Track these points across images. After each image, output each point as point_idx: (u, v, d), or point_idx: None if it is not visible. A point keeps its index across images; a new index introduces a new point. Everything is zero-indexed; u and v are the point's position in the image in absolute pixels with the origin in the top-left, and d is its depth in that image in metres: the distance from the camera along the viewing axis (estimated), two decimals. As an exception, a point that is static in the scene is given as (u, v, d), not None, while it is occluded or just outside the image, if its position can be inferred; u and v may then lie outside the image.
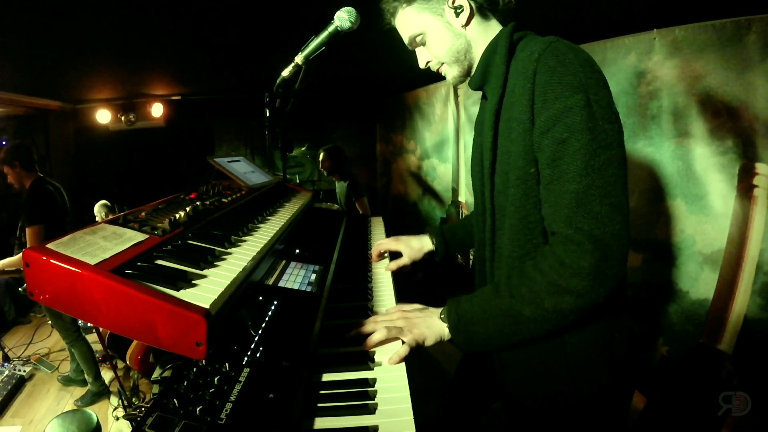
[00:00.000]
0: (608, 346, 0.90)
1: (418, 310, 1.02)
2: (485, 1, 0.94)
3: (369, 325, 0.99)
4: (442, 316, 0.96)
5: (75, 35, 2.31)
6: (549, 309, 0.79)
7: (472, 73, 1.01)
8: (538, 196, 0.84)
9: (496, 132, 0.90)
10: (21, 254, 2.60)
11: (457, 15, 0.94)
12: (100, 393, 2.88)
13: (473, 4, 0.94)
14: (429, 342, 0.96)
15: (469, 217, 1.40)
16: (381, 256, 1.49)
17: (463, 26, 0.95)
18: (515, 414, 1.04)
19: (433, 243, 1.42)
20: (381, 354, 0.96)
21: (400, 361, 0.93)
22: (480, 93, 1.06)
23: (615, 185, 0.76)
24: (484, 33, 0.96)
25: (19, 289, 2.89)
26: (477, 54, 0.98)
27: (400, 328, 0.96)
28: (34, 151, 2.73)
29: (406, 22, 0.99)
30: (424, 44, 1.00)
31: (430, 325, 0.96)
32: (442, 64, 1.01)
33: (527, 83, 0.81)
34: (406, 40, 1.03)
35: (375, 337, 0.96)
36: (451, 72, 1.01)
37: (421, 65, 1.04)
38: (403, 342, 0.95)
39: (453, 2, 0.93)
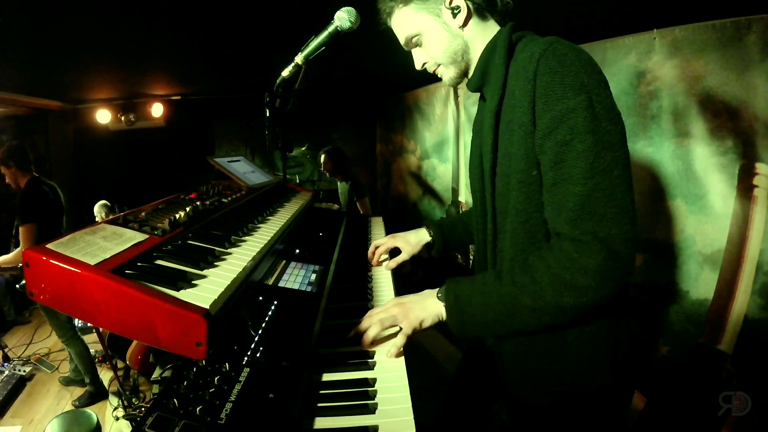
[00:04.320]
0: (611, 346, 0.89)
1: (413, 295, 0.99)
2: (483, 1, 0.94)
3: (365, 322, 0.98)
4: (439, 295, 0.93)
5: (75, 35, 2.31)
6: (550, 302, 0.78)
7: (470, 74, 1.00)
8: (541, 199, 0.83)
9: (497, 134, 0.89)
10: (16, 252, 2.62)
11: (454, 16, 0.93)
12: (98, 394, 2.88)
13: (471, 5, 0.93)
14: (427, 323, 0.92)
15: (468, 213, 1.39)
16: (380, 263, 1.49)
17: (460, 27, 0.94)
18: (518, 415, 1.03)
19: (430, 235, 1.41)
20: (381, 354, 0.96)
21: (399, 352, 0.92)
22: (478, 94, 1.06)
23: (620, 186, 0.75)
24: (482, 33, 0.95)
25: (17, 286, 2.93)
26: (475, 55, 0.97)
27: (395, 316, 0.94)
28: (30, 151, 2.78)
29: (402, 23, 0.98)
30: (420, 45, 0.99)
31: (426, 306, 0.93)
32: (439, 65, 1.00)
33: (528, 85, 0.80)
34: (402, 41, 1.02)
35: (370, 333, 0.94)
36: (447, 73, 1.00)
37: (418, 66, 1.03)
38: (401, 330, 0.94)
39: (450, 3, 0.92)
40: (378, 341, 0.97)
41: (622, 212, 0.75)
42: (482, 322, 0.86)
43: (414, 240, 1.42)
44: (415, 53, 1.02)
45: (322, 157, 3.88)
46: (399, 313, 0.94)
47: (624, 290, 0.85)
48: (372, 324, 0.95)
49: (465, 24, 0.94)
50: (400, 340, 0.92)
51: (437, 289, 0.95)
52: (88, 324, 2.82)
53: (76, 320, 3.64)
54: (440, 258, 1.45)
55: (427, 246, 1.42)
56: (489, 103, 0.91)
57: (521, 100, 0.82)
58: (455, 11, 0.93)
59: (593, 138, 0.75)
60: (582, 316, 0.80)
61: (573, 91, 0.76)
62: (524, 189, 0.84)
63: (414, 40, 0.99)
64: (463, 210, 3.77)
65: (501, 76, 0.88)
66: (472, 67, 0.99)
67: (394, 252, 1.46)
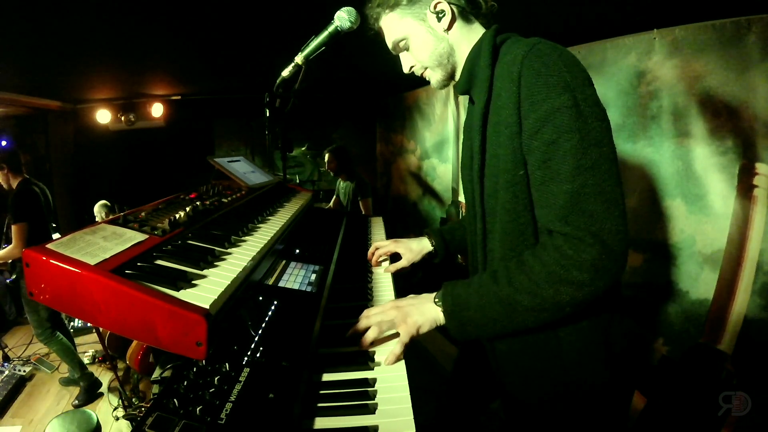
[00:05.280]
0: (604, 343, 0.90)
1: (410, 298, 1.00)
2: (468, 5, 0.95)
3: (362, 322, 0.98)
4: (437, 300, 0.93)
5: (75, 35, 2.31)
6: (547, 299, 0.78)
7: (457, 77, 1.01)
8: (528, 198, 0.84)
9: (484, 136, 0.91)
10: (6, 249, 2.72)
11: (439, 19, 0.94)
12: (92, 385, 2.91)
13: (455, 9, 0.94)
14: (424, 329, 0.93)
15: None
16: (379, 263, 1.49)
17: (445, 30, 0.96)
18: (515, 413, 1.04)
19: (432, 244, 1.42)
20: (381, 354, 0.96)
21: (396, 361, 0.92)
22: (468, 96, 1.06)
23: (609, 182, 0.76)
24: (467, 36, 0.97)
25: (7, 281, 2.98)
26: (460, 58, 0.98)
27: (392, 320, 0.95)
28: (21, 154, 2.95)
29: (389, 28, 1.00)
30: (407, 49, 1.01)
31: (424, 311, 0.93)
32: (426, 68, 1.01)
33: (513, 86, 0.81)
34: (389, 45, 1.04)
35: (369, 336, 0.95)
36: (434, 76, 1.02)
37: (405, 70, 1.05)
38: (398, 336, 0.94)
39: (434, 7, 0.94)
40: (377, 341, 0.98)
41: (613, 207, 0.75)
42: (481, 323, 0.86)
43: (416, 248, 1.43)
44: (403, 57, 1.04)
45: (327, 155, 3.88)
46: (397, 317, 0.94)
47: (615, 287, 0.86)
48: (371, 325, 0.96)
49: (450, 27, 0.95)
50: (398, 349, 0.92)
51: (434, 293, 0.96)
52: (88, 324, 2.82)
53: (76, 320, 3.66)
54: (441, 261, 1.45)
55: (428, 254, 1.43)
56: (476, 105, 0.92)
57: (507, 101, 0.82)
58: (440, 15, 0.94)
59: (579, 136, 0.75)
60: (577, 311, 0.81)
61: (557, 91, 0.76)
62: (512, 189, 0.85)
63: (401, 44, 1.01)
64: (463, 210, 3.78)
65: (486, 79, 0.89)
66: (459, 69, 1.00)
67: (395, 257, 1.47)
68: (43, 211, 2.90)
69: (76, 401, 2.85)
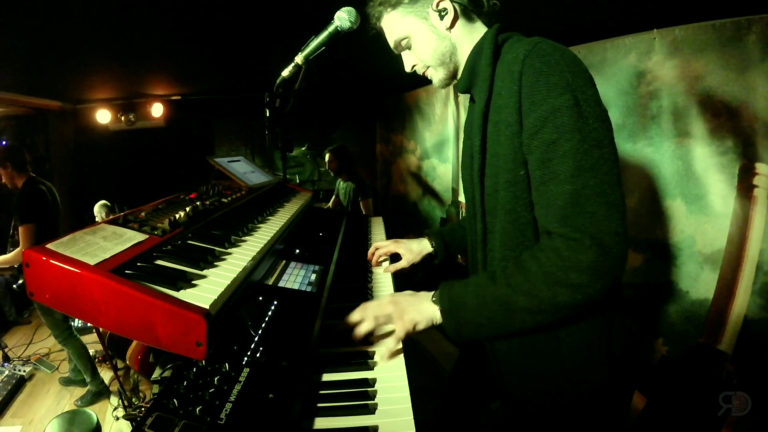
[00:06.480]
0: (605, 344, 0.90)
1: (408, 295, 0.99)
2: (470, 3, 0.95)
3: (357, 314, 0.96)
4: (434, 299, 0.93)
5: (75, 35, 2.31)
6: (544, 300, 0.78)
7: (458, 76, 1.01)
8: (529, 198, 0.84)
9: (485, 135, 0.90)
10: (16, 252, 2.61)
11: (442, 18, 0.94)
12: (100, 392, 2.88)
13: (457, 7, 0.94)
14: (420, 326, 0.92)
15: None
16: (379, 263, 1.50)
17: (447, 29, 0.95)
18: (514, 413, 1.04)
19: (432, 246, 1.42)
20: (380, 354, 0.96)
21: (392, 356, 0.92)
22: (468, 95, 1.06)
23: (609, 183, 0.75)
24: (469, 35, 0.96)
25: (14, 286, 2.93)
26: (462, 56, 0.98)
27: (389, 315, 0.93)
28: (26, 152, 2.81)
29: (391, 26, 1.00)
30: (409, 48, 1.01)
31: (421, 309, 0.92)
32: (428, 67, 1.01)
33: (513, 85, 0.81)
34: (391, 44, 1.03)
35: (362, 328, 0.93)
36: (436, 75, 1.01)
37: (407, 69, 1.05)
38: (394, 332, 0.93)
39: (437, 5, 0.93)
40: (375, 339, 0.98)
41: (612, 208, 0.75)
42: (478, 324, 0.85)
43: (416, 249, 1.43)
44: (405, 56, 1.04)
45: (328, 155, 3.88)
46: (394, 312, 0.93)
47: (616, 288, 0.85)
48: (365, 318, 0.94)
49: (452, 26, 0.95)
50: (392, 344, 0.92)
51: (432, 292, 0.95)
52: (88, 324, 2.82)
53: (76, 320, 3.66)
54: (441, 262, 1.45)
55: (428, 255, 1.43)
56: (477, 104, 0.92)
57: (508, 100, 0.82)
58: (442, 13, 0.94)
59: (580, 136, 0.75)
60: (576, 312, 0.80)
61: (558, 91, 0.76)
62: (512, 188, 0.85)
63: (403, 43, 1.00)
64: (463, 210, 3.77)
65: (487, 78, 0.89)
66: (461, 68, 1.00)
67: (395, 258, 1.47)
68: (51, 211, 2.80)
69: (79, 401, 2.85)
